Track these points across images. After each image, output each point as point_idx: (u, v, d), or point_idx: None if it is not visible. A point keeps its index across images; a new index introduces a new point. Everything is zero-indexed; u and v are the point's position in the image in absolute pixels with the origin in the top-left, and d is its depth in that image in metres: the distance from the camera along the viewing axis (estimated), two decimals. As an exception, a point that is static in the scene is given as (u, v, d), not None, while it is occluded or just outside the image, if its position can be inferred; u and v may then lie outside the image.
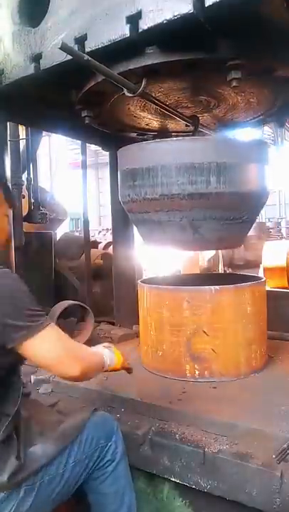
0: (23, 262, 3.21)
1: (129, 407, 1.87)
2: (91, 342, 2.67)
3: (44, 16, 1.82)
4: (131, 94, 1.81)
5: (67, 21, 1.71)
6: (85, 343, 2.62)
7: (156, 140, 2.51)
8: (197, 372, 2.03)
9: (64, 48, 1.46)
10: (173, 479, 1.59)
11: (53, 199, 5.54)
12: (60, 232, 5.83)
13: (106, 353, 1.57)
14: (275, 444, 1.50)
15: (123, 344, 2.77)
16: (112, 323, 3.24)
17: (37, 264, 3.99)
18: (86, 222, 3.84)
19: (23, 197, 4.19)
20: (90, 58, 1.56)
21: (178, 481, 1.58)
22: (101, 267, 4.47)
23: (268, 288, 2.56)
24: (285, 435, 1.52)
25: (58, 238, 5.05)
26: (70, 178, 14.86)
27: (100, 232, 13.87)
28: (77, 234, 7.81)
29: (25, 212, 4.19)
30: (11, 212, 1.72)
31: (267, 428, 1.57)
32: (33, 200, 4.37)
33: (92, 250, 4.21)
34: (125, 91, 1.81)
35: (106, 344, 1.68)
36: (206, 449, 1.52)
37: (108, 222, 8.96)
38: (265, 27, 1.57)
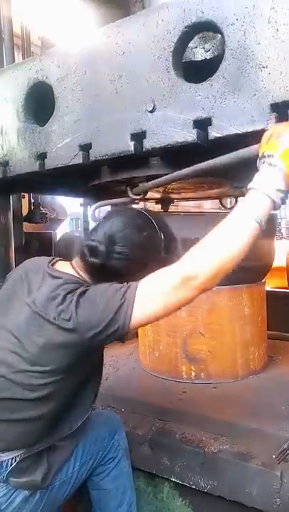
0: (23, 262, 3.21)
1: (129, 407, 1.87)
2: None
3: (50, 116, 1.85)
4: (136, 197, 1.90)
5: (72, 127, 1.75)
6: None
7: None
8: (193, 374, 2.03)
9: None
10: (173, 479, 1.59)
11: (53, 199, 5.54)
12: (60, 232, 5.83)
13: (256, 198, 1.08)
14: (275, 444, 1.50)
15: (123, 344, 2.77)
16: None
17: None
18: (86, 222, 3.85)
19: (23, 197, 4.19)
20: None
21: (178, 481, 1.58)
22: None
23: (267, 288, 2.56)
24: (285, 435, 1.52)
25: (58, 238, 5.05)
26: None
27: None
28: (77, 234, 7.81)
29: (25, 213, 4.19)
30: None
31: (267, 428, 1.57)
32: (33, 200, 4.37)
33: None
34: (130, 193, 1.91)
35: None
36: (206, 449, 1.52)
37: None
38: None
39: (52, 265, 1.37)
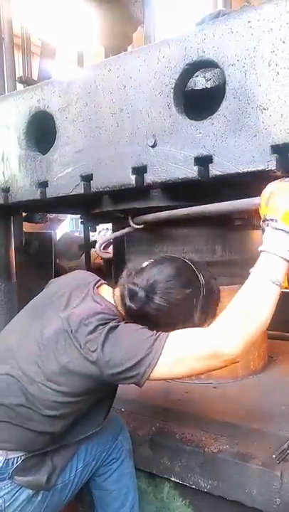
0: (23, 262, 3.21)
1: (129, 407, 1.87)
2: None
3: (51, 145, 1.87)
4: (137, 227, 1.93)
5: (73, 157, 1.76)
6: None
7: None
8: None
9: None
10: (173, 479, 1.59)
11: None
12: (60, 232, 5.83)
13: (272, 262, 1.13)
14: (275, 444, 1.50)
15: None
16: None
17: (37, 264, 3.99)
18: (86, 222, 3.84)
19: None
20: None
21: (178, 481, 1.58)
22: (101, 267, 4.47)
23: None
24: (285, 435, 1.52)
25: (58, 238, 5.05)
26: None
27: (99, 232, 13.86)
28: (77, 234, 7.81)
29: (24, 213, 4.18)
30: None
31: (267, 428, 1.57)
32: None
33: (92, 250, 4.21)
34: (131, 222, 1.95)
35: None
36: (206, 449, 1.52)
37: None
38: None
39: (97, 287, 1.37)
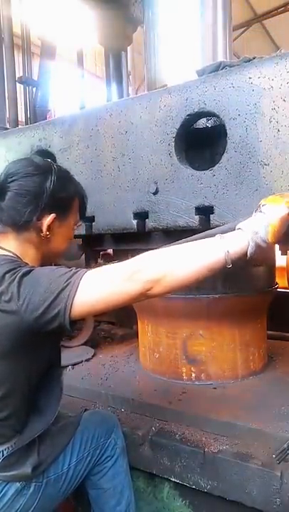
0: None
1: (129, 407, 1.87)
2: (90, 342, 2.68)
3: None
4: None
5: None
6: (83, 344, 2.64)
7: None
8: (194, 375, 2.03)
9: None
10: (173, 479, 1.59)
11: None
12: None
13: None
14: (275, 444, 1.50)
15: (123, 344, 2.77)
16: (112, 323, 3.24)
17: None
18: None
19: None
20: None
21: (178, 481, 1.58)
22: (101, 267, 4.46)
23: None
24: (285, 435, 1.52)
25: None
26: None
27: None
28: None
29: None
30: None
31: (267, 428, 1.57)
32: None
33: (92, 250, 4.21)
34: None
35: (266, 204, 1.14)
36: (206, 449, 1.52)
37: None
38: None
39: None
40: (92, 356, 2.50)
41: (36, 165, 1.28)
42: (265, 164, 1.35)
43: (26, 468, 1.25)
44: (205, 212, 1.49)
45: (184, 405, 1.80)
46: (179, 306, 1.97)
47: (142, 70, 4.48)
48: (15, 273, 1.12)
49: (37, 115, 5.41)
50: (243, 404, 1.77)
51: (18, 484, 1.25)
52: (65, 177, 1.33)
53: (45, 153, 1.92)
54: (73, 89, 6.99)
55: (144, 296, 1.09)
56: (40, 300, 1.08)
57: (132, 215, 1.67)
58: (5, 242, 1.27)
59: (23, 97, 5.42)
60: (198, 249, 1.11)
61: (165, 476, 1.61)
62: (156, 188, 1.59)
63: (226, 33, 2.81)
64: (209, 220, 1.48)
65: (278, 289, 2.24)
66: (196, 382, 2.02)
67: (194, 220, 1.51)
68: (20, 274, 1.12)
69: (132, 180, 1.66)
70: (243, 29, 12.27)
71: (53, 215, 1.26)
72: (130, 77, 9.88)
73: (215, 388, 1.96)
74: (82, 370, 2.30)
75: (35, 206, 1.23)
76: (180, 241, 1.29)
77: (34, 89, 5.47)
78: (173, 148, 1.54)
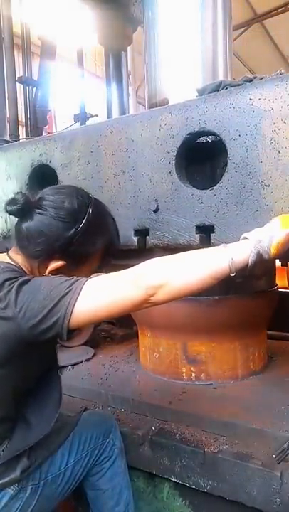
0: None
1: (129, 407, 1.87)
2: (90, 342, 2.68)
3: None
4: None
5: None
6: (83, 344, 2.64)
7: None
8: (194, 375, 2.03)
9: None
10: (173, 479, 1.59)
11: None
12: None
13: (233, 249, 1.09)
14: (275, 444, 1.50)
15: (123, 344, 2.77)
16: (112, 323, 3.24)
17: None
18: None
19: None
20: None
21: (178, 481, 1.58)
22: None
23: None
24: (285, 435, 1.52)
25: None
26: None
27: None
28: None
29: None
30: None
31: (267, 428, 1.57)
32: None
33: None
34: None
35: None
36: (206, 449, 1.52)
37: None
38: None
39: None
40: (92, 356, 2.50)
41: (70, 208, 1.21)
42: (266, 185, 1.35)
43: (15, 473, 1.23)
44: (206, 231, 1.50)
45: (184, 405, 1.80)
46: (179, 310, 1.96)
47: (142, 70, 4.49)
48: (15, 281, 1.10)
49: (37, 115, 5.41)
50: (243, 404, 1.78)
51: (10, 490, 1.22)
52: (95, 229, 1.25)
53: (47, 168, 1.93)
54: (73, 89, 6.99)
55: (147, 302, 1.08)
56: (39, 307, 1.05)
57: (132, 232, 1.67)
58: (14, 255, 1.26)
59: (23, 97, 5.42)
60: (203, 256, 1.10)
61: (165, 476, 1.62)
62: (157, 206, 1.59)
63: (225, 33, 2.80)
64: (210, 239, 1.48)
65: (278, 290, 2.24)
66: (196, 382, 2.02)
67: (195, 238, 1.51)
68: (19, 282, 1.10)
69: (132, 198, 1.67)
70: (243, 29, 12.25)
71: (61, 263, 1.22)
72: (130, 77, 9.88)
73: (215, 388, 1.96)
74: (82, 370, 2.30)
75: (46, 251, 1.20)
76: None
77: (34, 89, 5.47)
78: (173, 166, 1.55)
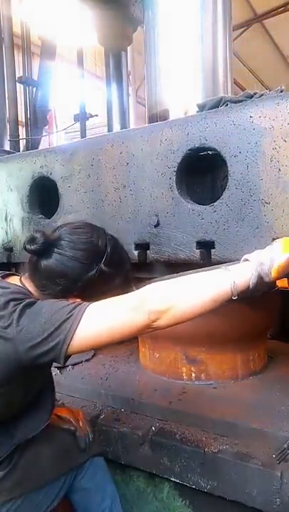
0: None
1: (129, 407, 1.87)
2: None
3: (56, 209, 1.90)
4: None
5: None
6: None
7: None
8: (194, 375, 2.03)
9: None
10: (173, 479, 1.59)
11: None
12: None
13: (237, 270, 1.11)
14: (275, 444, 1.50)
15: (123, 344, 2.77)
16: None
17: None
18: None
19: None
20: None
21: (178, 481, 1.58)
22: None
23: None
24: (285, 435, 1.52)
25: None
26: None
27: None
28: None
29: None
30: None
31: (267, 428, 1.57)
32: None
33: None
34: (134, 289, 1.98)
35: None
36: (206, 449, 1.52)
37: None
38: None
39: (3, 277, 1.30)
40: (92, 356, 2.50)
41: (90, 249, 1.22)
42: (266, 203, 1.35)
43: (6, 483, 1.21)
44: (206, 246, 1.50)
45: (184, 405, 1.80)
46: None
47: (142, 70, 4.49)
48: (20, 302, 1.11)
49: (37, 115, 5.41)
50: (243, 404, 1.77)
51: None
52: (114, 268, 1.27)
53: (48, 180, 1.94)
54: (73, 89, 6.99)
55: (149, 327, 1.09)
56: (39, 330, 1.06)
57: (133, 246, 1.68)
58: (27, 281, 1.27)
59: (23, 97, 5.41)
60: (205, 281, 1.11)
61: (165, 476, 1.62)
62: (158, 221, 1.59)
63: (225, 33, 2.80)
64: (210, 254, 1.48)
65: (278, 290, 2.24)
66: (196, 382, 2.02)
67: (195, 254, 1.51)
68: (24, 303, 1.11)
69: (133, 212, 1.67)
70: (243, 29, 12.25)
71: (76, 298, 1.22)
72: (130, 77, 9.87)
73: (215, 388, 1.96)
74: (82, 370, 2.30)
75: (65, 290, 1.21)
76: (185, 272, 1.30)
77: (34, 89, 5.47)
78: (174, 182, 1.55)
